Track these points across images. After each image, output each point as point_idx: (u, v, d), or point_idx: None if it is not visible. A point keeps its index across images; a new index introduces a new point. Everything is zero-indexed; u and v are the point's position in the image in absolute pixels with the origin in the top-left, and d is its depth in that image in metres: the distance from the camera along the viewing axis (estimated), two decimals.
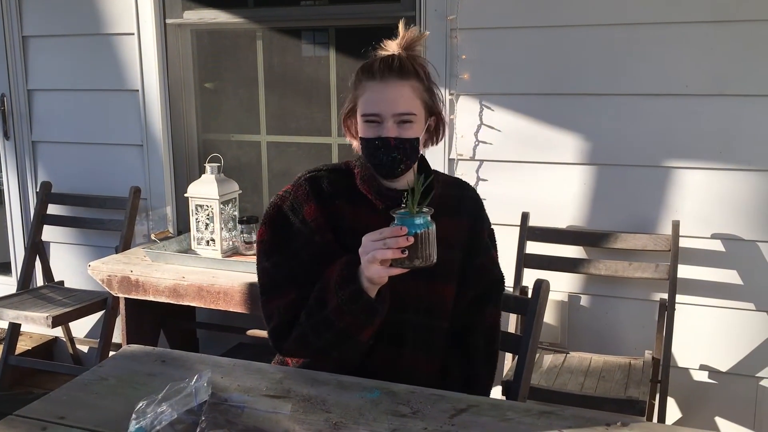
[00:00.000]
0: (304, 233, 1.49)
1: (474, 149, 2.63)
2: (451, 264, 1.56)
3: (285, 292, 1.48)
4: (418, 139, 1.49)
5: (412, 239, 1.30)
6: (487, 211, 1.67)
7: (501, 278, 1.67)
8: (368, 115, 1.47)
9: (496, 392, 2.56)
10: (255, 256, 1.56)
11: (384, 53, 1.49)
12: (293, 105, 3.04)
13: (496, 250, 1.68)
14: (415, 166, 1.54)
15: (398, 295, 1.46)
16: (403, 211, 1.34)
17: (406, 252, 1.30)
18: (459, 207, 1.61)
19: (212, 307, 2.47)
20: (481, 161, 2.63)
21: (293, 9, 2.90)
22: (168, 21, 2.98)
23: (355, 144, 1.58)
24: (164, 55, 3.00)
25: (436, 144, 1.60)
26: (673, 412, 2.53)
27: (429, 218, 1.33)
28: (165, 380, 1.37)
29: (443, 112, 1.57)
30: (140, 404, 1.25)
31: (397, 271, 1.33)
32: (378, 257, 1.31)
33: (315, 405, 1.32)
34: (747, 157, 2.34)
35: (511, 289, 2.52)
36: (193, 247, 2.72)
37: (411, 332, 1.53)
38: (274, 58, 3.02)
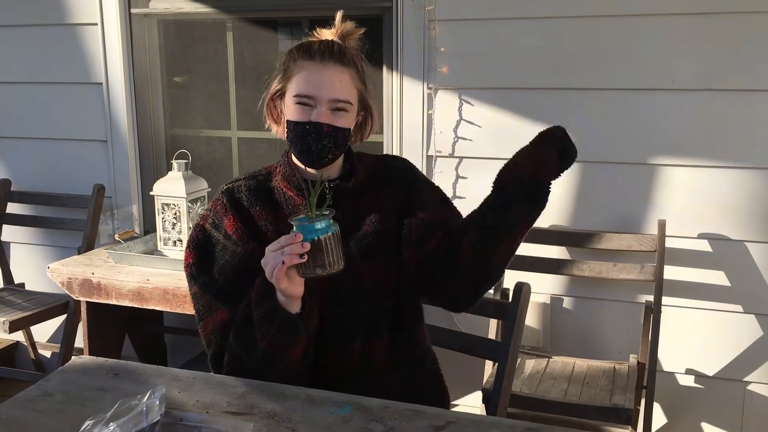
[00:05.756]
0: (228, 248, 1.41)
1: (453, 146, 2.53)
2: (387, 236, 1.46)
3: (216, 312, 1.39)
4: (350, 129, 1.42)
5: (308, 245, 1.22)
6: (424, 175, 1.58)
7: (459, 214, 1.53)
8: (302, 96, 1.37)
9: (476, 399, 2.47)
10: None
11: (319, 38, 1.43)
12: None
13: (450, 206, 1.54)
14: (340, 159, 1.47)
15: (334, 287, 1.38)
16: (301, 216, 1.28)
17: (305, 257, 1.22)
18: (387, 178, 1.52)
19: (178, 311, 2.34)
20: (461, 158, 2.53)
21: None
22: (133, 11, 2.84)
23: (276, 129, 1.49)
24: (129, 46, 2.86)
25: (361, 141, 1.51)
26: (658, 418, 2.45)
27: (331, 221, 1.26)
28: (117, 396, 1.26)
29: (374, 109, 1.49)
30: (86, 424, 1.14)
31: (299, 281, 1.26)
32: (275, 266, 1.23)
33: (280, 423, 1.21)
34: (735, 154, 2.26)
35: (492, 292, 2.43)
36: (159, 248, 2.59)
37: (356, 321, 1.43)
38: (245, 51, 2.90)
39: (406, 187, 1.52)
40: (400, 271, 1.47)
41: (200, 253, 1.43)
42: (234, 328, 1.36)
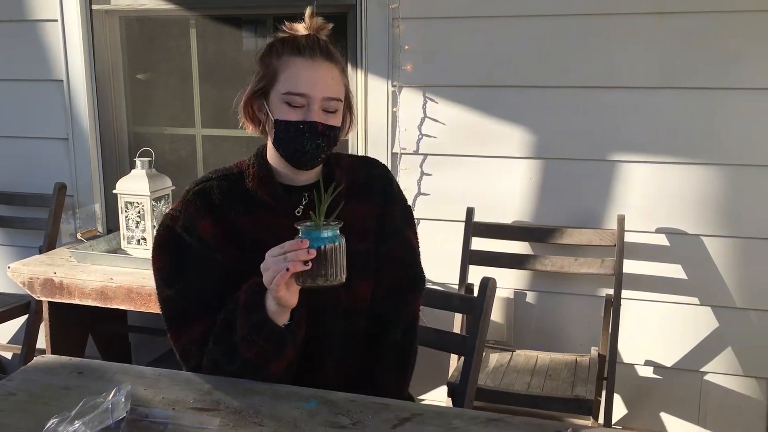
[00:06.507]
0: (204, 254, 1.34)
1: (417, 143, 2.55)
2: (366, 256, 1.43)
3: (195, 322, 1.33)
4: (339, 128, 1.38)
5: (314, 252, 1.19)
6: (399, 187, 1.53)
7: (417, 262, 1.53)
8: (294, 94, 1.31)
9: (441, 394, 2.50)
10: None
11: (300, 34, 1.36)
12: (230, 97, 2.90)
13: (413, 230, 1.54)
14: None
15: (311, 302, 1.33)
16: (308, 222, 1.24)
17: (309, 264, 1.19)
18: (367, 189, 1.47)
19: (143, 310, 2.33)
20: (425, 155, 2.55)
21: None
22: (94, 7, 2.81)
23: (252, 128, 1.42)
24: (90, 43, 2.83)
25: (340, 141, 1.45)
26: (619, 409, 2.51)
27: (338, 232, 1.23)
28: (81, 394, 1.25)
29: (354, 107, 1.45)
30: (50, 422, 1.13)
31: (294, 291, 1.24)
32: (277, 272, 1.19)
33: (246, 418, 1.22)
34: (691, 151, 2.32)
35: (457, 287, 2.46)
36: (122, 247, 2.57)
37: (331, 340, 1.40)
38: (209, 48, 2.89)
39: (383, 202, 1.48)
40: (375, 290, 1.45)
41: (172, 256, 1.36)
42: (215, 334, 1.32)
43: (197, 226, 1.35)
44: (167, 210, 1.44)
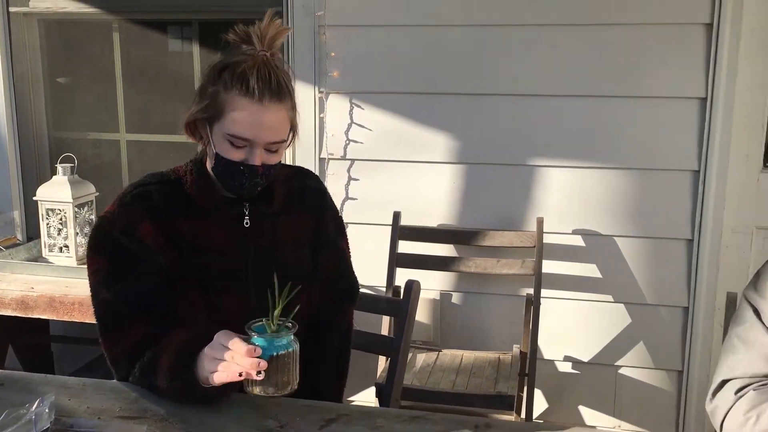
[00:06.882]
0: (145, 257, 1.32)
1: (345, 148, 2.59)
2: (302, 265, 1.48)
3: (132, 327, 1.31)
4: (280, 161, 1.39)
5: (265, 364, 1.11)
6: (332, 199, 1.59)
7: (350, 271, 1.60)
8: (238, 138, 1.30)
9: (370, 395, 2.55)
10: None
11: (252, 61, 1.30)
12: (155, 101, 2.88)
13: (345, 240, 1.60)
14: None
15: (251, 311, 1.33)
16: (259, 325, 1.16)
17: (261, 374, 1.12)
18: (303, 200, 1.51)
19: (66, 319, 2.28)
20: (352, 160, 2.60)
21: (153, 0, 2.74)
22: (12, 9, 2.74)
23: (194, 140, 1.42)
24: (8, 46, 2.75)
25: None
26: (540, 404, 2.61)
27: (292, 337, 1.16)
28: (3, 406, 1.23)
29: (298, 126, 1.42)
30: None
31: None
32: (228, 375, 1.13)
33: (173, 425, 1.23)
34: (604, 156, 2.44)
35: (384, 290, 2.51)
36: (44, 255, 2.50)
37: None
38: (133, 52, 2.85)
39: (317, 214, 1.53)
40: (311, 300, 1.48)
41: (112, 258, 1.33)
42: (140, 364, 1.29)
43: (137, 229, 1.34)
44: (101, 213, 1.39)
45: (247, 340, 1.14)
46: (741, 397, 1.17)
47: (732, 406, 1.17)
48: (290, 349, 1.14)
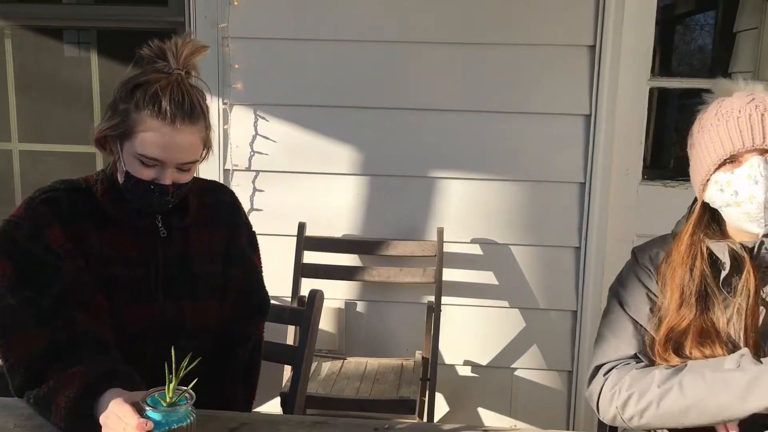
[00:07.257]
0: (51, 263, 1.30)
1: (249, 160, 2.60)
2: (213, 278, 1.50)
3: (33, 336, 1.27)
4: (191, 179, 1.40)
5: None
6: (246, 214, 1.62)
7: (261, 286, 1.63)
8: (148, 158, 1.30)
9: (276, 405, 2.56)
10: None
11: (166, 81, 1.29)
12: (51, 110, 2.79)
13: (257, 256, 1.64)
14: None
15: (158, 322, 1.37)
16: (155, 397, 1.09)
17: None
18: (215, 215, 1.53)
19: None
20: (257, 171, 2.61)
21: (50, 7, 2.66)
22: None
23: (109, 158, 1.40)
24: None
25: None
26: (441, 407, 2.70)
27: (190, 409, 1.10)
28: None
29: (211, 142, 1.43)
30: None
31: None
32: None
33: None
34: (500, 169, 2.57)
35: (290, 300, 2.54)
36: None
37: (178, 360, 1.44)
38: (27, 59, 2.76)
39: (230, 229, 1.54)
40: (222, 311, 1.50)
41: (17, 263, 1.30)
42: (37, 398, 1.24)
43: (45, 234, 1.31)
44: (6, 217, 1.34)
45: (143, 410, 1.09)
46: (608, 377, 1.29)
47: (602, 387, 1.29)
48: (186, 423, 1.08)
